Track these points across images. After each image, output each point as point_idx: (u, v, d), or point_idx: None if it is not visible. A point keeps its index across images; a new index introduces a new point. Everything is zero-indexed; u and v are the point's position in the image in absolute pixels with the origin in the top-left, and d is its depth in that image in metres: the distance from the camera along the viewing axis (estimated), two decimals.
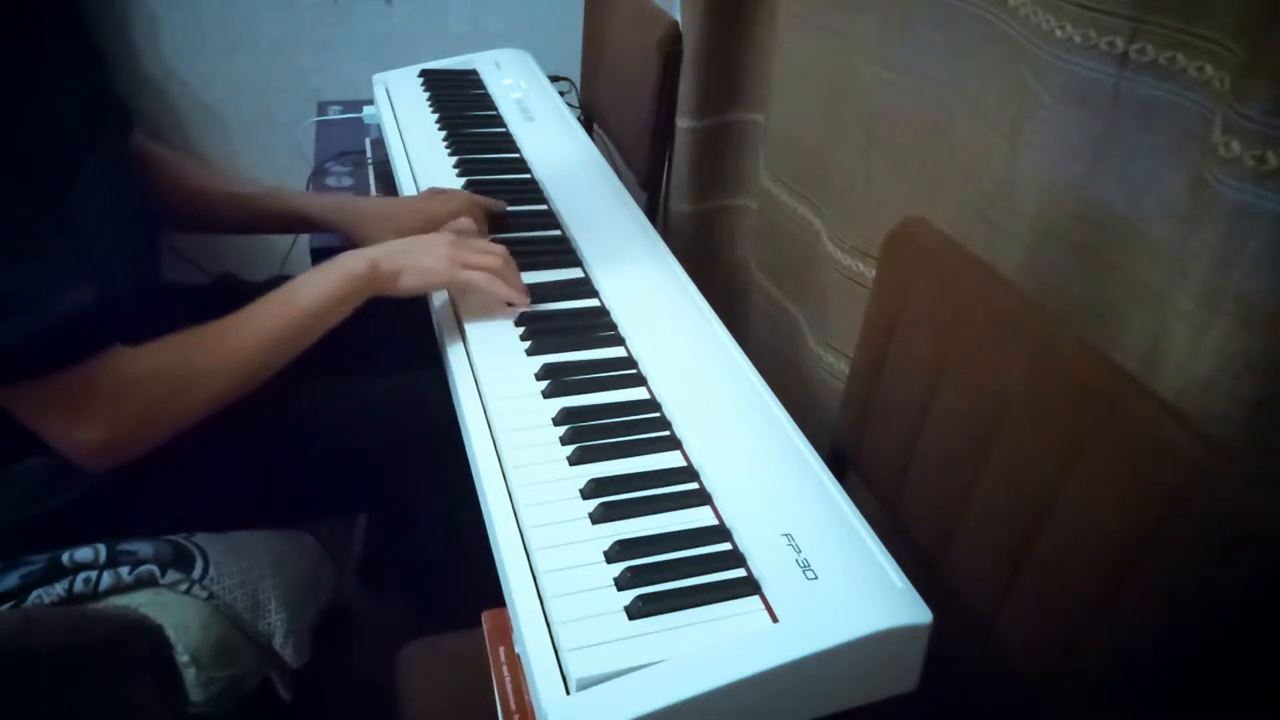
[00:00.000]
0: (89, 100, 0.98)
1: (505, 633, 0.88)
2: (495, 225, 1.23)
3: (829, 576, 0.75)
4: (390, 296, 1.02)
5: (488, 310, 1.05)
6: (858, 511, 0.83)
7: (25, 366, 0.81)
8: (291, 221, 1.25)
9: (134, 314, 0.90)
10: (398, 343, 1.15)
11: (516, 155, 1.42)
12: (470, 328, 1.03)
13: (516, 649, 0.79)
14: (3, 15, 0.85)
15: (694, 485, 0.85)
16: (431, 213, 1.18)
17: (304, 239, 1.54)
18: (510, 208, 1.27)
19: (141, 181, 1.08)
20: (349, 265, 1.00)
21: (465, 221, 1.18)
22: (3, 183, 0.80)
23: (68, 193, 0.88)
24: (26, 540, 0.94)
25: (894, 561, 0.78)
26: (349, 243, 1.21)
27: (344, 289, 0.99)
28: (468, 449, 0.90)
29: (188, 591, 0.95)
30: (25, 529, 0.94)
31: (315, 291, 0.98)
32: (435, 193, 1.25)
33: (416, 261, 1.02)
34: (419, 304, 1.09)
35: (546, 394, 0.94)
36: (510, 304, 1.04)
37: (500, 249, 1.06)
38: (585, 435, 0.88)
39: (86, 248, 0.88)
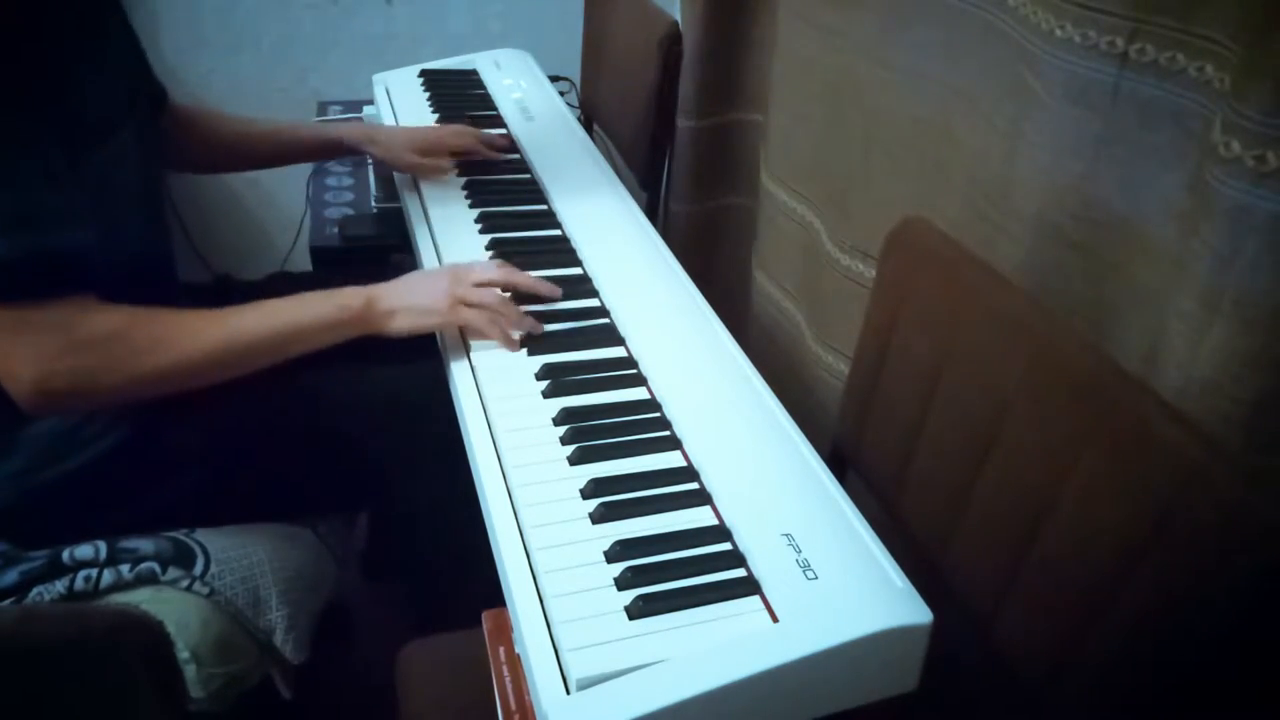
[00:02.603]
0: (131, 77, 1.02)
1: (505, 633, 0.88)
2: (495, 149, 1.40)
3: (829, 576, 0.75)
4: (381, 336, 1.00)
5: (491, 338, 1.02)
6: (858, 511, 0.83)
7: (7, 285, 0.82)
8: (317, 146, 1.40)
9: (142, 294, 0.91)
10: (399, 339, 1.15)
11: (516, 155, 1.42)
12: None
13: (516, 649, 0.79)
14: None
15: (694, 485, 0.85)
16: (433, 135, 1.37)
17: (304, 239, 1.55)
18: (510, 208, 1.27)
19: (170, 147, 1.15)
20: (345, 296, 1.00)
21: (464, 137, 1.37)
22: (43, 122, 0.83)
23: (97, 151, 0.90)
24: (32, 513, 0.95)
25: (894, 561, 0.78)
26: (349, 244, 1.23)
27: (333, 317, 0.98)
28: (468, 449, 0.90)
29: (189, 588, 0.95)
30: (31, 501, 0.95)
31: (302, 312, 0.98)
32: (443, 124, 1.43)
33: (413, 302, 1.00)
34: None
35: (546, 394, 0.94)
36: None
37: (500, 275, 1.04)
38: (585, 435, 0.88)
39: (103, 201, 0.89)
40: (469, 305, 1.01)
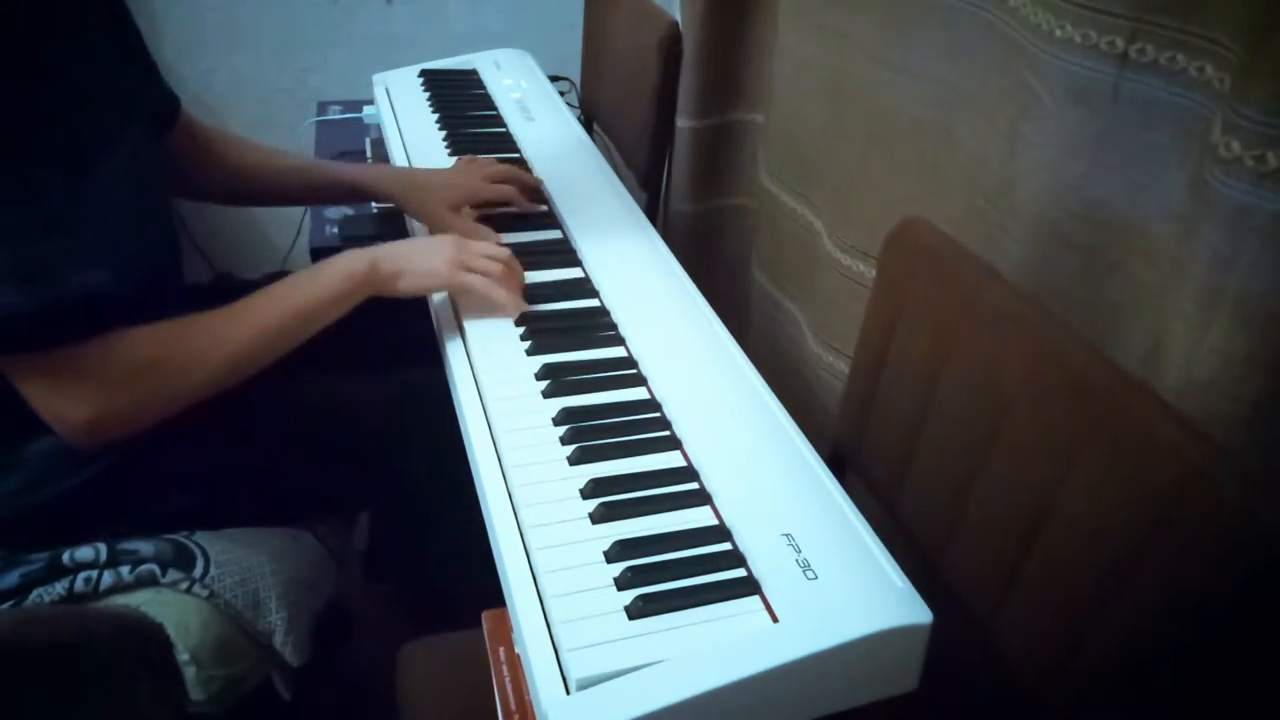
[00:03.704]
0: (126, 89, 1.00)
1: (505, 633, 0.88)
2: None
3: (829, 576, 0.75)
4: (389, 297, 1.02)
5: (485, 310, 1.05)
6: (858, 511, 0.83)
7: (31, 338, 0.83)
8: (340, 192, 1.30)
9: (148, 304, 0.91)
10: (398, 340, 1.15)
11: (516, 155, 1.42)
12: (470, 327, 1.03)
13: (516, 649, 0.79)
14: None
15: (694, 485, 0.85)
16: (474, 186, 1.24)
17: (304, 239, 1.55)
18: (510, 208, 1.27)
19: (181, 168, 1.13)
20: (349, 264, 1.01)
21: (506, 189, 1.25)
22: (35, 158, 0.82)
23: (94, 173, 0.89)
24: (31, 528, 0.94)
25: (894, 561, 0.78)
26: (349, 244, 1.22)
27: (343, 287, 1.00)
28: (468, 449, 0.90)
29: (188, 590, 0.95)
30: (30, 516, 0.95)
31: (314, 287, 0.99)
32: (471, 161, 1.30)
33: (416, 264, 1.03)
34: (419, 301, 1.09)
35: (546, 394, 0.94)
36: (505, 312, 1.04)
37: (504, 252, 1.07)
38: (585, 435, 0.88)
39: (106, 230, 0.89)
40: (470, 270, 1.02)
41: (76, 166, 0.87)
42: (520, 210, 1.26)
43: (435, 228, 1.20)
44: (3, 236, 0.80)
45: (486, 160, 1.31)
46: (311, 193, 1.34)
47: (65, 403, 0.86)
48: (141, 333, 0.89)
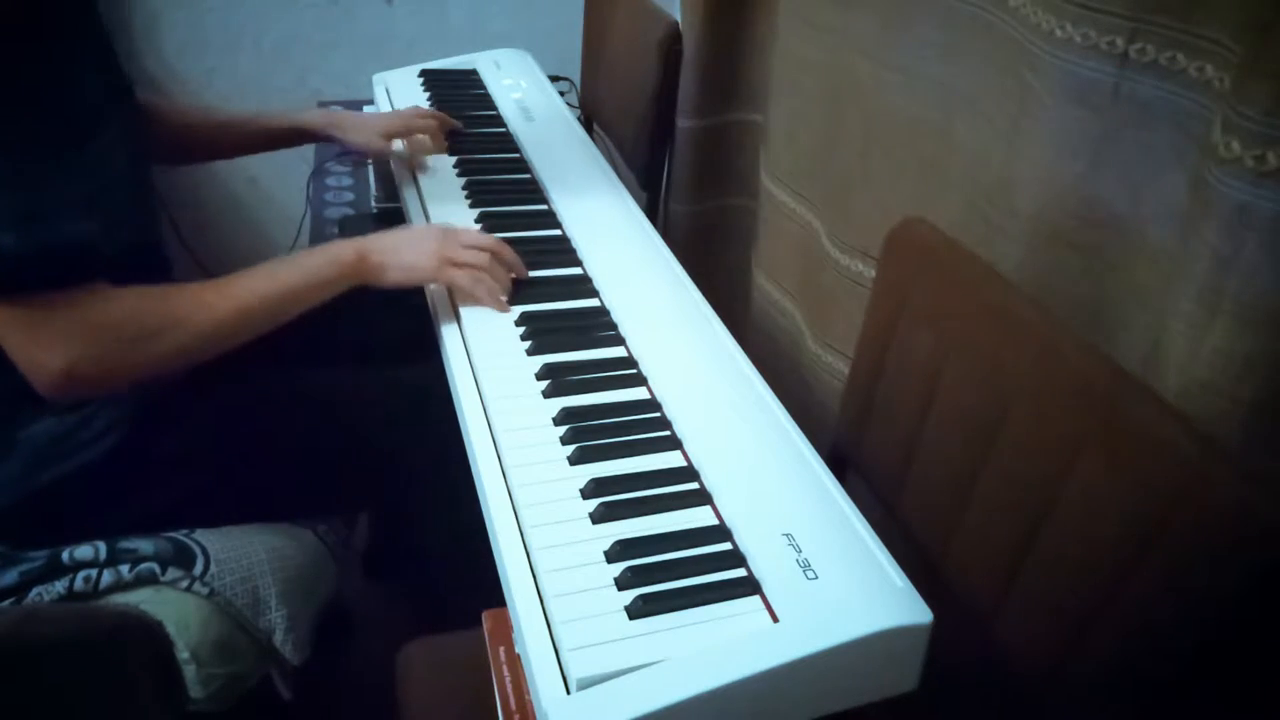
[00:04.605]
0: (116, 73, 1.04)
1: (505, 633, 0.88)
2: (451, 137, 1.43)
3: (829, 576, 0.75)
4: (375, 287, 1.03)
5: (477, 299, 1.06)
6: (858, 511, 0.83)
7: (22, 281, 0.84)
8: (287, 134, 1.39)
9: (132, 272, 0.92)
10: (398, 338, 1.15)
11: (516, 155, 1.42)
12: (469, 328, 1.03)
13: (516, 649, 0.79)
14: None
15: (694, 485, 0.85)
16: (403, 118, 1.40)
17: (304, 239, 1.55)
18: (510, 208, 1.27)
19: (153, 145, 1.15)
20: (338, 251, 1.02)
21: (423, 140, 1.39)
22: (41, 116, 0.86)
23: (93, 141, 0.92)
24: (30, 516, 0.95)
25: (894, 561, 0.78)
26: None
27: (329, 273, 1.01)
28: (468, 449, 0.90)
29: (188, 589, 0.95)
30: (28, 503, 0.95)
31: (300, 271, 1.01)
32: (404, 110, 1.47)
33: (402, 258, 1.04)
34: (418, 296, 1.10)
35: (546, 394, 0.94)
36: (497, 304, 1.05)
37: (489, 240, 1.08)
38: (585, 435, 0.88)
39: (101, 190, 0.91)
40: (456, 265, 1.03)
41: (77, 133, 0.90)
42: (490, 162, 1.35)
43: (368, 151, 1.39)
44: (9, 184, 0.82)
45: (414, 109, 1.46)
46: (258, 140, 1.39)
47: (42, 349, 0.87)
48: (127, 290, 0.91)
